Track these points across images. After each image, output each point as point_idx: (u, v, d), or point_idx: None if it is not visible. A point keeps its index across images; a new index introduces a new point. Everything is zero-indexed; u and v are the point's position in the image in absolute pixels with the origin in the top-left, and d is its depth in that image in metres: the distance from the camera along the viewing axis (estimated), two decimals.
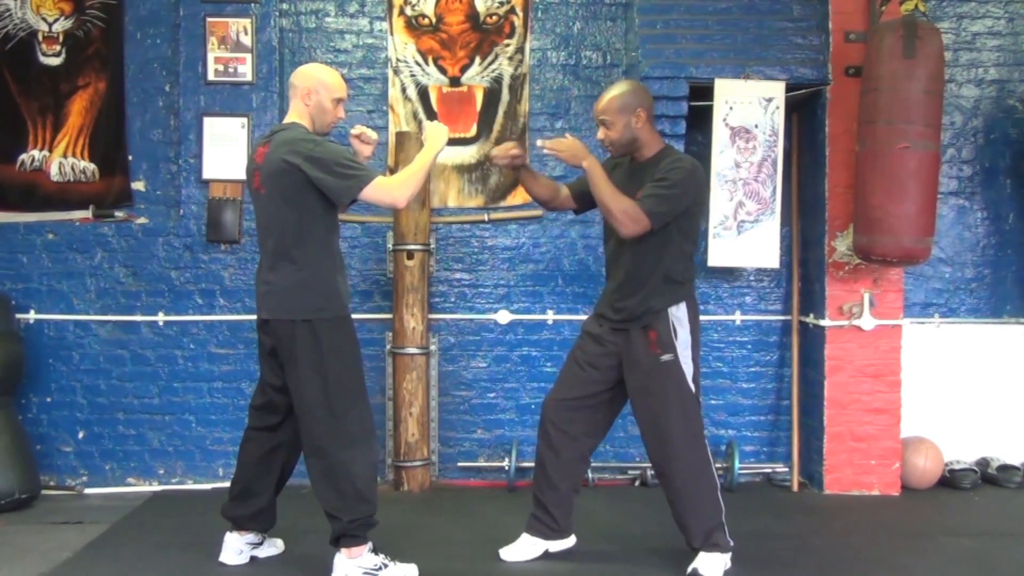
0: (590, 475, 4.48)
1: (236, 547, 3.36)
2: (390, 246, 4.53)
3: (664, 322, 3.21)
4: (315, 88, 3.19)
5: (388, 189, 3.11)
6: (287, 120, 3.23)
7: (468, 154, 4.69)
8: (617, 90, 3.27)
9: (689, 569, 3.22)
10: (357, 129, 3.35)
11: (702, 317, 4.61)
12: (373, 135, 3.36)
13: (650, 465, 4.55)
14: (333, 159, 3.05)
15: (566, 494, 3.42)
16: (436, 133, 3.29)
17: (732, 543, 3.27)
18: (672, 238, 3.20)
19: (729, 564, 3.27)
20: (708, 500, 3.24)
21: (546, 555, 3.44)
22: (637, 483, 4.60)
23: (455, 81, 4.66)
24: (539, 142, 3.32)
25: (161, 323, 4.52)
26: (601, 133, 3.27)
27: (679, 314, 3.23)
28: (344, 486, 3.08)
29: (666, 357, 3.20)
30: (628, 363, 3.27)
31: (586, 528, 3.77)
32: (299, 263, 3.10)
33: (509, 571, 3.35)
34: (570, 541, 3.49)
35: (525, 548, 3.43)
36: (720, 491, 3.28)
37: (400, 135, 4.45)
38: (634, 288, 3.24)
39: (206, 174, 4.49)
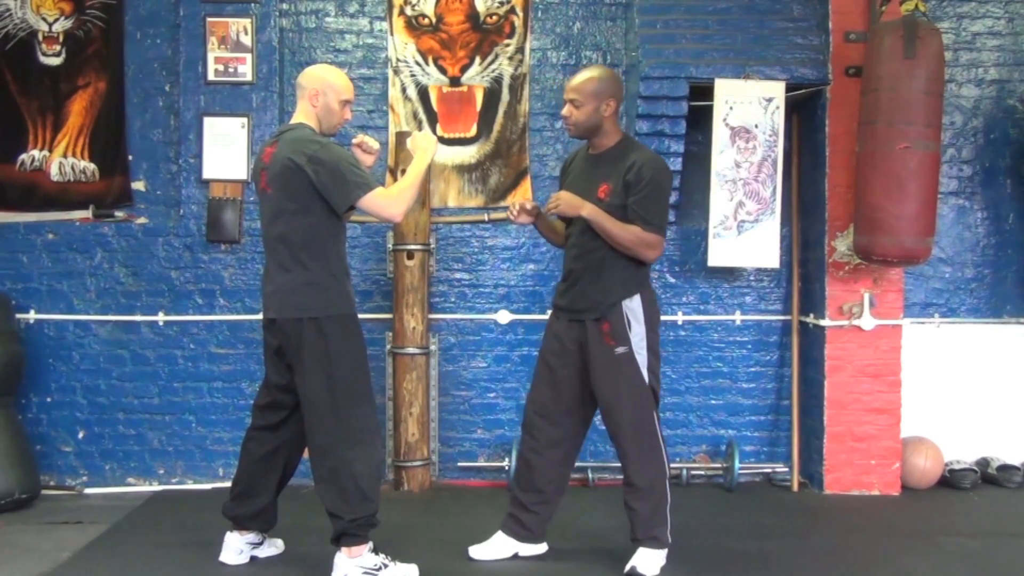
0: (590, 475, 4.48)
1: (236, 547, 3.36)
2: (390, 246, 4.53)
3: (617, 314, 3.22)
4: (322, 90, 3.19)
5: (385, 203, 3.10)
6: (294, 121, 3.24)
7: (468, 154, 4.69)
8: (594, 73, 3.31)
9: (627, 567, 3.22)
10: (358, 138, 3.35)
11: (702, 317, 4.68)
12: (375, 144, 3.34)
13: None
14: (336, 163, 3.05)
15: (550, 497, 3.41)
16: (425, 143, 3.29)
17: (670, 540, 3.27)
18: None
19: (664, 561, 3.26)
20: (656, 493, 3.24)
21: (528, 557, 3.41)
22: None
23: (455, 81, 4.66)
24: (544, 209, 3.37)
25: (161, 323, 4.52)
26: (567, 110, 3.28)
27: (632, 305, 3.23)
28: (347, 485, 3.08)
29: (620, 349, 3.20)
30: (585, 354, 3.28)
31: (586, 528, 3.77)
32: (306, 263, 3.11)
33: (507, 571, 3.34)
34: (542, 547, 3.45)
35: (497, 547, 3.42)
36: (669, 484, 3.27)
37: (400, 135, 4.44)
38: (589, 280, 3.26)
39: (206, 174, 4.48)
